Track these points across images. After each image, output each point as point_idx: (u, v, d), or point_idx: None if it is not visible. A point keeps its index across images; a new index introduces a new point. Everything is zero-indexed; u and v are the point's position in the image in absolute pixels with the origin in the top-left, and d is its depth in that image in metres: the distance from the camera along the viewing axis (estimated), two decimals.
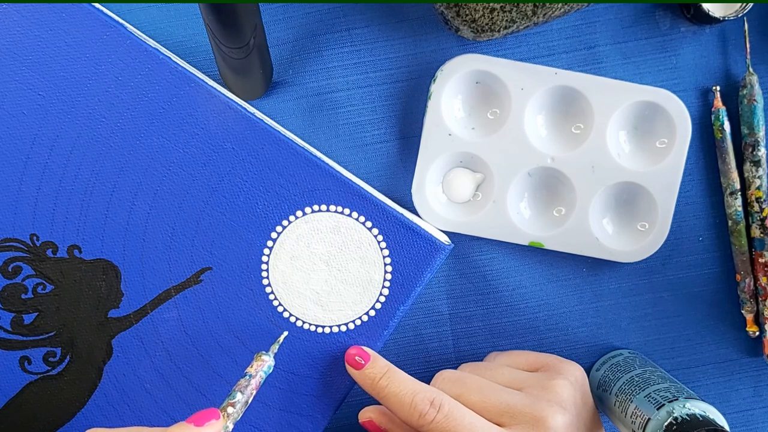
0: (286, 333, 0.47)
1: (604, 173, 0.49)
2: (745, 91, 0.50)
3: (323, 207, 0.47)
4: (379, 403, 0.46)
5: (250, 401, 0.41)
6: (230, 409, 0.40)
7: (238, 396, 0.41)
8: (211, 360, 0.48)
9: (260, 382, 0.43)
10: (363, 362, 0.46)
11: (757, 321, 0.52)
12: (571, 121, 0.50)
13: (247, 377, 0.42)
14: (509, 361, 0.49)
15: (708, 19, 0.48)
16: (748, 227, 0.51)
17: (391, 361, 0.46)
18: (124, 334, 0.48)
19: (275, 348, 0.45)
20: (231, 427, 0.40)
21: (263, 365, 0.43)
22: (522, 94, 0.48)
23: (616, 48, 0.50)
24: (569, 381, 0.45)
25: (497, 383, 0.45)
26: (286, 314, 0.48)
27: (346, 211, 0.47)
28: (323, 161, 0.47)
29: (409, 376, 0.45)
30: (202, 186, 0.47)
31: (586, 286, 0.52)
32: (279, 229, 0.47)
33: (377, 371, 0.45)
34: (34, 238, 0.47)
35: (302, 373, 0.48)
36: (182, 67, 0.46)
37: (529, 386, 0.45)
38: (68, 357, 0.48)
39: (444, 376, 0.46)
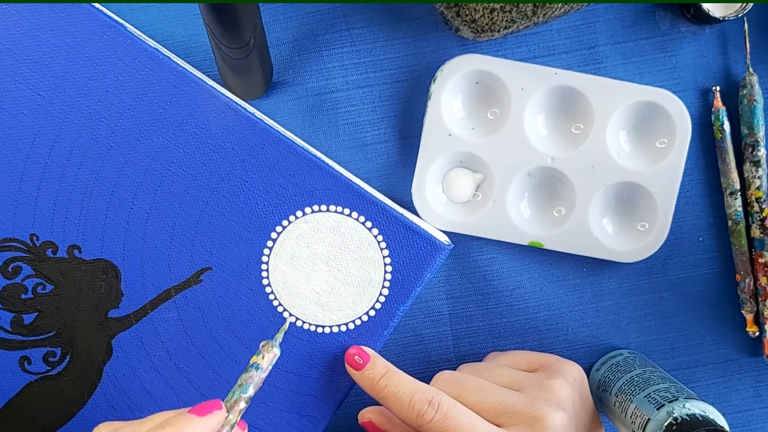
0: (289, 320, 0.45)
1: (604, 173, 0.49)
2: (745, 91, 0.50)
3: (323, 207, 0.47)
4: (379, 404, 0.46)
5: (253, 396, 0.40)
6: (242, 404, 0.39)
7: (251, 390, 0.39)
8: (211, 360, 0.48)
9: (266, 376, 0.41)
10: (363, 362, 0.46)
11: (757, 321, 0.52)
12: (571, 121, 0.50)
13: (259, 370, 0.40)
14: (508, 361, 0.49)
15: (708, 19, 0.48)
16: (748, 227, 0.51)
17: (391, 361, 0.46)
18: (124, 334, 0.48)
19: (280, 337, 0.43)
20: (237, 420, 0.39)
21: (274, 358, 0.41)
22: (522, 94, 0.48)
23: (616, 48, 0.50)
24: (567, 381, 0.45)
25: (496, 384, 0.45)
26: (286, 314, 0.48)
27: (346, 211, 0.47)
28: (323, 161, 0.47)
29: (409, 376, 0.45)
30: (202, 186, 0.47)
31: (586, 286, 0.52)
32: (279, 229, 0.47)
33: (377, 372, 0.45)
34: (34, 238, 0.47)
35: (302, 373, 0.48)
36: (182, 67, 0.47)
37: (527, 386, 0.45)
38: (68, 357, 0.48)
39: (443, 377, 0.46)
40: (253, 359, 0.41)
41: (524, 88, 0.48)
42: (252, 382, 0.40)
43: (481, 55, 0.48)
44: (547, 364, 0.48)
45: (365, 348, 0.47)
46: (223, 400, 0.39)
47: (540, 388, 0.44)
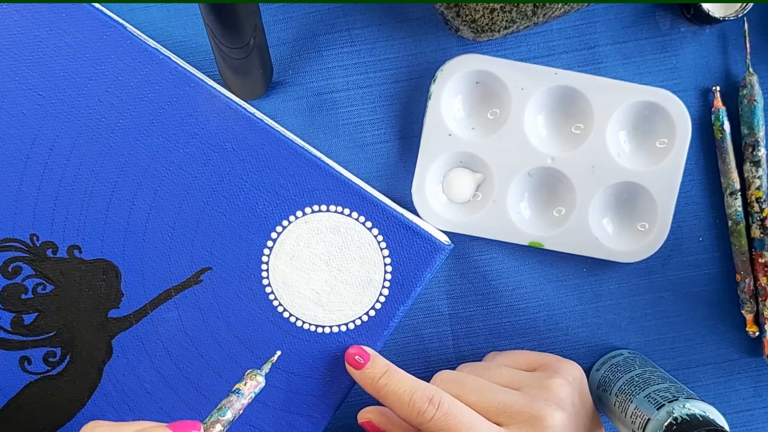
0: (279, 353, 0.46)
1: (604, 173, 0.49)
2: (745, 91, 0.50)
3: (323, 207, 0.47)
4: (379, 404, 0.46)
5: (233, 421, 0.40)
6: (218, 427, 0.39)
7: (228, 414, 0.39)
8: (211, 360, 0.48)
9: (248, 403, 0.41)
10: (363, 362, 0.46)
11: (757, 321, 0.52)
12: (571, 121, 0.50)
13: (239, 396, 0.41)
14: (508, 360, 0.49)
15: (708, 19, 0.48)
16: (748, 227, 0.51)
17: (391, 361, 0.46)
18: (124, 334, 0.48)
19: (267, 368, 0.43)
20: None
21: (257, 386, 0.42)
22: (522, 94, 0.48)
23: (616, 48, 0.50)
24: (567, 380, 0.45)
25: (495, 383, 0.45)
26: (286, 314, 0.48)
27: (346, 211, 0.47)
28: (323, 161, 0.47)
29: (409, 374, 0.45)
30: (202, 186, 0.47)
31: (586, 286, 0.52)
32: (279, 229, 0.47)
33: (377, 371, 0.45)
34: (34, 238, 0.47)
35: (302, 373, 0.48)
36: (182, 67, 0.47)
37: (527, 386, 0.45)
38: (68, 357, 0.48)
39: (442, 376, 0.46)
40: (236, 386, 0.41)
41: (524, 88, 0.48)
42: (231, 406, 0.40)
43: (481, 55, 0.48)
44: (547, 363, 0.48)
45: (365, 347, 0.47)
46: (203, 419, 0.40)
47: (540, 388, 0.44)
